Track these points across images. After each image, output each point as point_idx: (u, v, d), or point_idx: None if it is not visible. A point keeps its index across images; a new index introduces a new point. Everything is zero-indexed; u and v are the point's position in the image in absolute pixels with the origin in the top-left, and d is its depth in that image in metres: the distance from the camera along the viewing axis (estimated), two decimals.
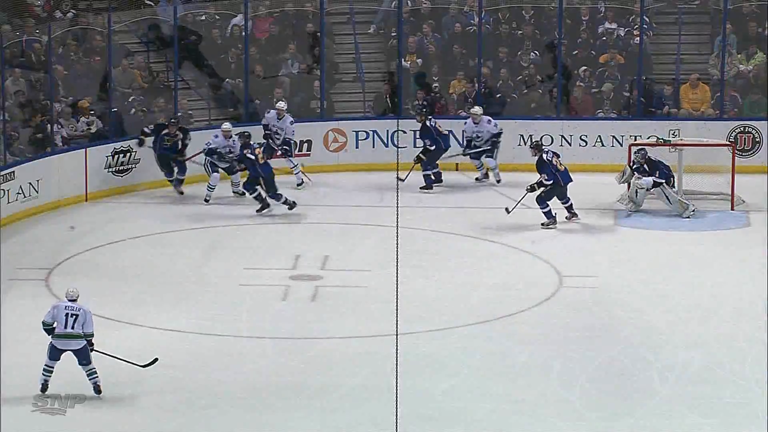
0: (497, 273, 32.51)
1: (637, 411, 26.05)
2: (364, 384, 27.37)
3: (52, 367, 25.16)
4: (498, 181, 37.11)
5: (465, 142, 37.06)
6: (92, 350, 25.38)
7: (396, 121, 37.24)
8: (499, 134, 36.96)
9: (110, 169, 36.43)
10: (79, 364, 25.08)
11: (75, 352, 25.17)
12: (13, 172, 35.21)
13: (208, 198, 36.48)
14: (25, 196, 35.42)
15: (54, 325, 25.08)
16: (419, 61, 39.04)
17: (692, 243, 34.54)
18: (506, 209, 34.43)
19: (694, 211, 35.03)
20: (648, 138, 36.20)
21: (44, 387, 25.16)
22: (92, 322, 25.30)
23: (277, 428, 26.45)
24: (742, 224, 35.54)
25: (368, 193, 36.52)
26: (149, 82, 38.18)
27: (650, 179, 34.67)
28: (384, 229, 33.50)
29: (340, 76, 39.24)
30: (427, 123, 36.56)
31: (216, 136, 36.54)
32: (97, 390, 25.20)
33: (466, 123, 36.81)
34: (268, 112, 37.55)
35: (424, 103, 38.53)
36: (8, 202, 35.02)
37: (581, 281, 32.12)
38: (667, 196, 34.82)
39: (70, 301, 25.20)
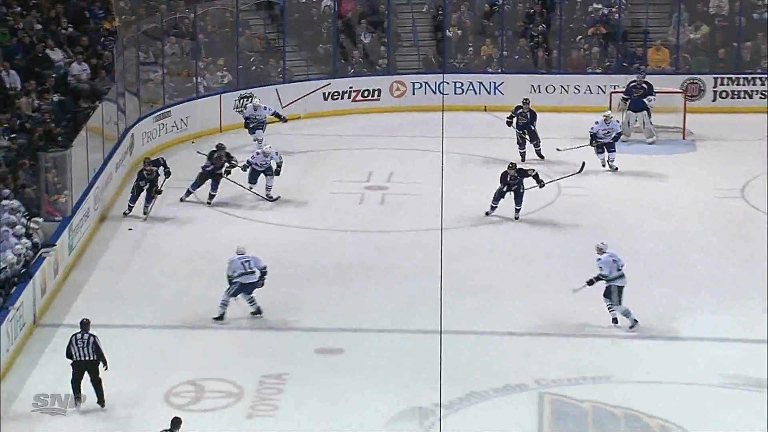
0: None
1: None
2: (417, 265, 28.17)
3: (227, 302, 24.89)
4: (615, 169, 32.96)
5: (590, 137, 32.92)
6: (265, 274, 25.14)
7: (442, 75, 37.16)
8: (620, 133, 33.39)
9: (236, 109, 36.63)
10: (247, 294, 24.83)
11: (250, 285, 24.83)
12: (169, 111, 35.80)
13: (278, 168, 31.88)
14: (177, 129, 35.98)
15: (235, 274, 24.73)
16: (459, 32, 39.32)
17: (654, 162, 34.82)
18: (557, 149, 33.58)
19: (655, 138, 35.69)
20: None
21: (221, 317, 24.98)
22: (261, 260, 24.98)
23: (357, 296, 27.59)
24: (691, 150, 35.86)
25: (420, 127, 36.23)
26: (265, 46, 38.38)
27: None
28: (433, 154, 33.82)
29: (401, 42, 39.70)
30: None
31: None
32: (258, 311, 25.07)
33: (597, 122, 32.81)
34: (247, 106, 34.99)
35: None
36: (165, 132, 35.46)
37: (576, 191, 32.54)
38: (644, 123, 35.65)
39: (239, 254, 24.80)
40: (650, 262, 28.72)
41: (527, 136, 33.81)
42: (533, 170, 29.41)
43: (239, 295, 25.03)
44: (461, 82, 38.53)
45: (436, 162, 31.96)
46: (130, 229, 30.03)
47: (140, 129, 34.44)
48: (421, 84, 38.59)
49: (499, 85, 38.37)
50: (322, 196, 32.46)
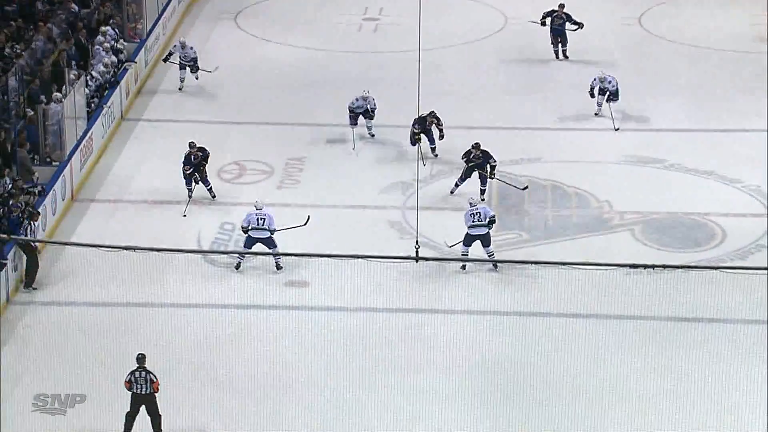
0: None
1: None
2: (401, 77, 27.27)
3: (244, 256, 20.58)
4: (617, 129, 26.06)
5: (591, 89, 26.42)
6: (274, 231, 20.53)
7: None
8: (615, 90, 26.30)
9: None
10: (269, 248, 20.46)
11: (263, 240, 20.50)
12: None
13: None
14: None
15: (249, 227, 20.58)
16: None
17: None
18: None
19: None
20: None
21: (238, 266, 20.71)
22: (274, 221, 20.53)
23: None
24: None
25: None
26: None
27: None
28: None
29: None
30: None
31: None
32: (278, 267, 20.61)
33: (595, 79, 26.32)
34: (174, 46, 28.22)
35: None
36: None
37: None
38: None
39: (257, 210, 20.61)
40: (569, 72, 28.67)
41: (559, 39, 29.50)
42: (494, 161, 23.01)
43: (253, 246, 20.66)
44: None
45: None
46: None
47: None
48: None
49: None
50: (329, 25, 32.08)
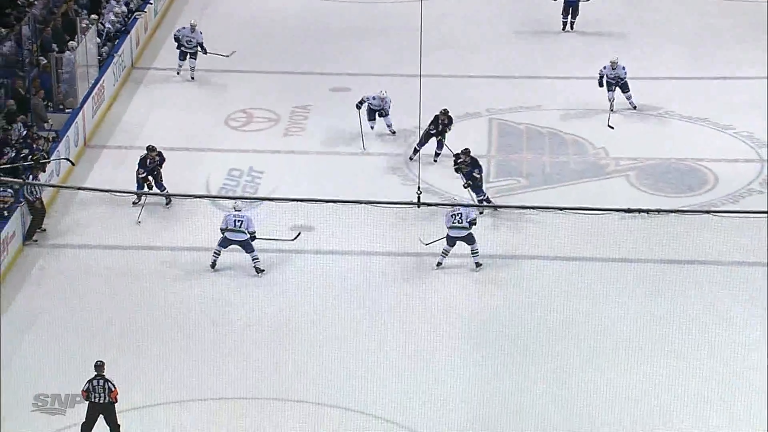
0: None
1: None
2: (403, 27, 26.96)
3: (219, 252, 18.98)
4: (612, 111, 24.07)
5: (599, 79, 24.24)
6: (254, 239, 18.90)
7: None
8: (624, 78, 24.22)
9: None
10: (246, 252, 19.01)
11: (240, 243, 18.90)
12: None
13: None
14: None
15: (225, 228, 18.94)
16: None
17: None
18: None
19: None
20: None
21: (213, 264, 19.07)
22: (253, 224, 18.93)
23: (357, 50, 27.25)
24: None
25: None
26: None
27: None
28: None
29: None
30: None
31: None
32: (258, 270, 19.04)
33: (605, 67, 24.10)
34: (183, 28, 25.86)
35: None
36: None
37: None
38: None
39: (236, 211, 18.94)
40: None
41: (570, 9, 28.21)
42: (480, 171, 20.81)
43: (230, 247, 19.17)
44: None
45: None
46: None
47: None
48: None
49: None
50: None
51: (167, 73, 26.13)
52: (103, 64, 24.85)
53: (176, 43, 25.54)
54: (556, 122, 24.02)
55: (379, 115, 23.35)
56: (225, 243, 18.94)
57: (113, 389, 14.90)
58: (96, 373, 14.99)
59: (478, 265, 19.11)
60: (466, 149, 20.81)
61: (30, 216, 19.71)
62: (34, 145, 20.73)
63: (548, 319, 17.85)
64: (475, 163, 20.65)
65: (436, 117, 22.12)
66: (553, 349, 17.23)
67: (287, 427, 15.89)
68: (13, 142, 20.62)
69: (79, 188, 21.19)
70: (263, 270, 18.98)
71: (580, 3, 28.26)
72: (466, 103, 24.56)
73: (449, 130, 22.12)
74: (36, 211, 19.72)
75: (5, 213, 19.18)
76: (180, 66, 25.56)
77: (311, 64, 26.65)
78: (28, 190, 19.39)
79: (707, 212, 19.64)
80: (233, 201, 19.28)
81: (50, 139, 21.45)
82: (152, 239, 19.93)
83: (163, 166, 20.75)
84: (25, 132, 20.94)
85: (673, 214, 19.28)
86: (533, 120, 24.15)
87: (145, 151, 20.78)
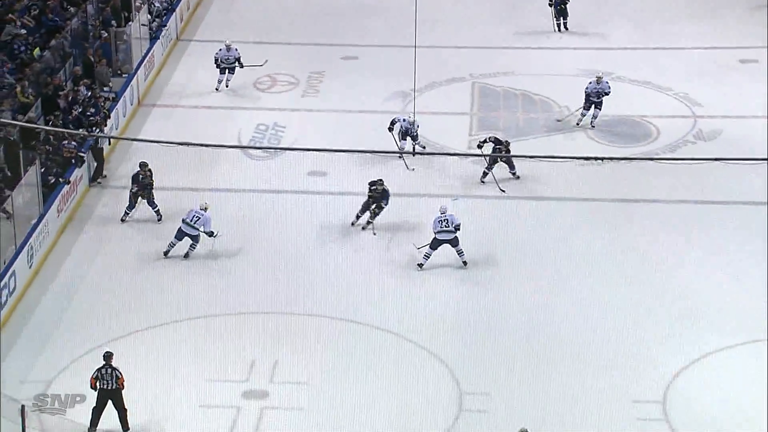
0: None
1: None
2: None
3: (175, 244, 17.80)
4: (593, 126, 22.05)
5: (586, 97, 22.08)
6: (211, 235, 17.70)
7: None
8: (607, 93, 21.93)
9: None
10: (192, 244, 17.73)
11: (191, 237, 17.61)
12: None
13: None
14: None
15: (183, 219, 17.77)
16: None
17: None
18: None
19: None
20: None
21: (166, 253, 17.93)
22: (210, 224, 17.69)
23: (359, 26, 26.75)
24: None
25: None
26: None
27: None
28: None
29: None
30: None
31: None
32: (186, 256, 17.77)
33: (590, 82, 22.02)
34: (220, 50, 23.51)
35: None
36: None
37: None
38: None
39: (200, 208, 17.77)
40: None
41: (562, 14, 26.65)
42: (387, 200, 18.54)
43: (184, 239, 17.85)
44: None
45: None
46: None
47: None
48: None
49: None
50: None
51: (205, 44, 26.25)
52: (153, 36, 25.24)
53: (215, 64, 23.73)
54: (528, 85, 24.32)
55: (413, 139, 20.74)
56: (180, 234, 17.97)
57: (120, 377, 14.31)
58: (104, 362, 14.35)
59: (464, 263, 17.90)
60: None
61: (95, 163, 20.34)
62: (99, 104, 21.24)
63: (522, 251, 18.20)
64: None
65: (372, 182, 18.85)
66: (528, 280, 17.42)
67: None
68: (81, 101, 20.83)
69: (134, 139, 21.54)
70: (187, 257, 17.90)
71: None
72: (453, 70, 24.93)
73: (385, 204, 18.85)
74: (99, 158, 20.31)
75: (73, 161, 19.62)
76: (219, 82, 23.84)
77: (325, 36, 26.78)
78: (93, 141, 19.96)
79: (651, 159, 20.05)
80: (202, 201, 18.09)
81: (110, 99, 22.04)
82: (194, 181, 20.10)
83: (153, 184, 18.99)
84: (89, 93, 21.12)
85: (623, 161, 19.75)
86: (509, 83, 24.44)
87: (138, 168, 19.10)
